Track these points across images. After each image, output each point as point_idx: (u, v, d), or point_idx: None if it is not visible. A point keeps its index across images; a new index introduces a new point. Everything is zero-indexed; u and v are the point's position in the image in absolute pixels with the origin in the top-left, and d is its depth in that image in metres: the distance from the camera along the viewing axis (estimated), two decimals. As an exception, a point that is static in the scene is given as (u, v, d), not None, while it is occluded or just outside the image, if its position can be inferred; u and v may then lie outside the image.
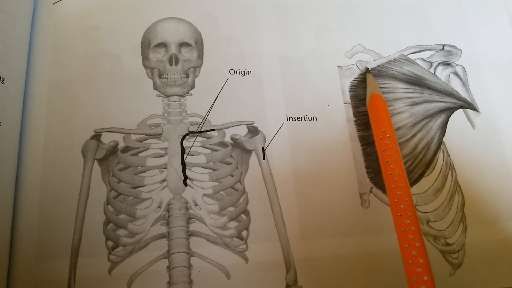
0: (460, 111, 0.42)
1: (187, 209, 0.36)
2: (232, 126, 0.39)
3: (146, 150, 0.37)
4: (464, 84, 0.43)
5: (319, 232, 0.36)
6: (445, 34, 0.45)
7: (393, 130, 0.36)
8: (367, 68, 0.42)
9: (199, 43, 0.41)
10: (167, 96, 0.39)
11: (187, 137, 0.38)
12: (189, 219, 0.36)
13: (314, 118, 0.40)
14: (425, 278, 0.28)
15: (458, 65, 0.44)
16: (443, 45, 0.44)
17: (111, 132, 0.37)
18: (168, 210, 0.36)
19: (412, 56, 0.44)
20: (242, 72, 0.40)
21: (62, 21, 0.41)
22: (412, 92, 0.42)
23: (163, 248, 0.35)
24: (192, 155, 0.37)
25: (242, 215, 0.36)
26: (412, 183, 0.39)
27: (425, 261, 0.29)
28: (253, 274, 0.35)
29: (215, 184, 0.37)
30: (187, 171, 0.37)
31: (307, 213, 0.37)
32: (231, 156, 0.38)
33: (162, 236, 0.35)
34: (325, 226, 0.37)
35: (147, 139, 0.37)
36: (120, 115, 0.38)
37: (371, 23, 0.44)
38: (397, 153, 0.34)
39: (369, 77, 0.41)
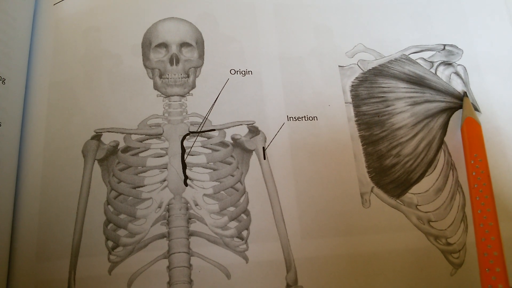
0: (461, 110, 0.42)
1: (187, 209, 0.36)
2: (233, 126, 0.39)
3: (147, 150, 0.37)
4: (465, 84, 0.43)
5: (320, 231, 0.36)
6: (446, 34, 0.45)
7: (485, 154, 0.37)
8: (465, 92, 0.42)
9: (199, 43, 0.41)
10: (167, 96, 0.39)
11: (187, 137, 0.38)
12: (190, 219, 0.36)
13: (315, 118, 0.40)
14: None
15: (459, 65, 0.44)
16: (444, 45, 0.44)
17: (112, 132, 0.37)
18: (168, 210, 0.36)
19: (413, 56, 0.44)
20: (243, 72, 0.40)
21: (62, 22, 0.41)
22: (414, 92, 0.42)
23: (163, 248, 0.35)
24: (192, 155, 0.37)
25: (243, 215, 0.36)
26: (413, 183, 0.39)
27: None
28: (254, 274, 0.35)
29: (215, 184, 0.37)
30: (187, 171, 0.37)
31: (307, 212, 0.37)
32: (232, 156, 0.38)
33: (162, 236, 0.35)
34: (326, 225, 0.37)
35: (147, 139, 0.37)
36: (120, 115, 0.38)
37: (372, 22, 0.44)
38: (486, 178, 0.36)
39: (466, 100, 0.41)
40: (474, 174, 0.36)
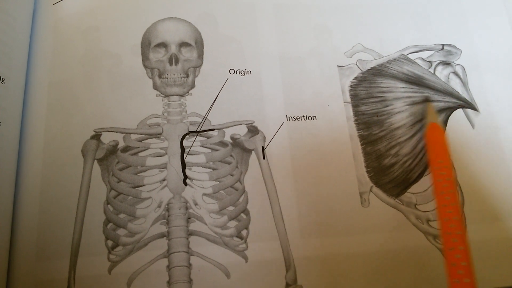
0: (459, 110, 0.42)
1: (187, 208, 0.36)
2: (232, 126, 0.39)
3: (146, 149, 0.37)
4: (464, 83, 0.43)
5: (319, 231, 0.36)
6: (444, 34, 0.45)
7: (450, 160, 0.37)
8: (427, 97, 0.42)
9: (199, 43, 0.41)
10: (167, 96, 0.39)
11: (187, 136, 0.38)
12: (189, 218, 0.36)
13: (314, 117, 0.40)
14: None
15: (457, 64, 0.44)
16: (443, 45, 0.44)
17: (111, 131, 0.37)
18: (168, 210, 0.36)
19: (412, 56, 0.44)
20: (242, 72, 0.40)
21: (62, 21, 0.41)
22: (412, 92, 0.42)
23: (163, 247, 0.35)
24: (192, 155, 0.37)
25: (242, 214, 0.36)
26: (412, 182, 0.39)
27: None
28: (253, 273, 0.35)
29: (215, 183, 0.37)
30: (187, 171, 0.37)
31: (306, 212, 0.37)
32: (231, 155, 0.38)
33: (162, 235, 0.35)
34: (325, 225, 0.37)
35: (147, 139, 0.38)
36: (120, 114, 0.38)
37: (371, 22, 0.44)
38: (452, 184, 0.35)
39: (429, 106, 0.41)
40: (440, 181, 0.35)
